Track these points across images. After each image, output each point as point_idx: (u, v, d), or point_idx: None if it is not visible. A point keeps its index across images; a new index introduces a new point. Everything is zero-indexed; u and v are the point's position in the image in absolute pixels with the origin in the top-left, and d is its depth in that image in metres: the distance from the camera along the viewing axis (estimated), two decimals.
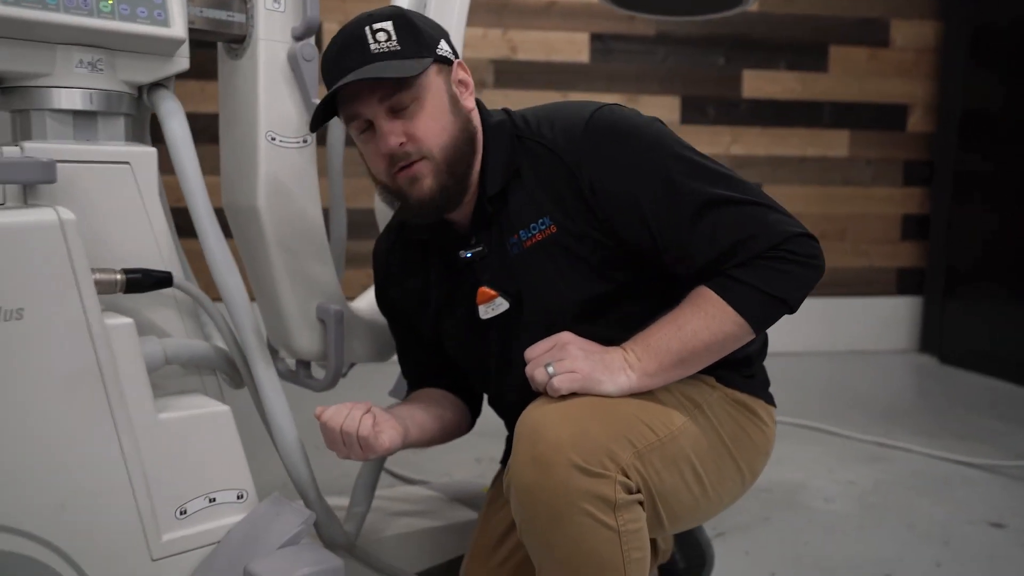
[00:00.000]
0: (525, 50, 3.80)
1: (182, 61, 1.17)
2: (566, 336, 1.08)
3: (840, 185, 4.20)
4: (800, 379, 3.67)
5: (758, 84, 4.06)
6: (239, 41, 1.29)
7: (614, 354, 1.08)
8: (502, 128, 1.17)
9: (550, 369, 1.04)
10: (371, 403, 1.14)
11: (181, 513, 1.07)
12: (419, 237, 1.25)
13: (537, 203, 1.13)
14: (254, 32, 1.26)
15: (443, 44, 1.13)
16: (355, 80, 1.05)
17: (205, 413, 1.10)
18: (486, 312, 1.17)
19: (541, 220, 1.13)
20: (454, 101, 1.13)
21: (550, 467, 0.97)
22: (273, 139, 1.28)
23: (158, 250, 1.14)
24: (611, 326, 1.15)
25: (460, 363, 1.31)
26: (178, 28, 1.12)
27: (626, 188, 1.10)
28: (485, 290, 1.16)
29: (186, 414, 1.08)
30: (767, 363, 1.37)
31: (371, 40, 1.06)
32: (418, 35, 1.09)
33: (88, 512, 0.98)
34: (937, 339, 4.11)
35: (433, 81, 1.11)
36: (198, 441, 1.08)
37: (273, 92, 1.27)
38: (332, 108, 1.12)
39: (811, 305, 4.04)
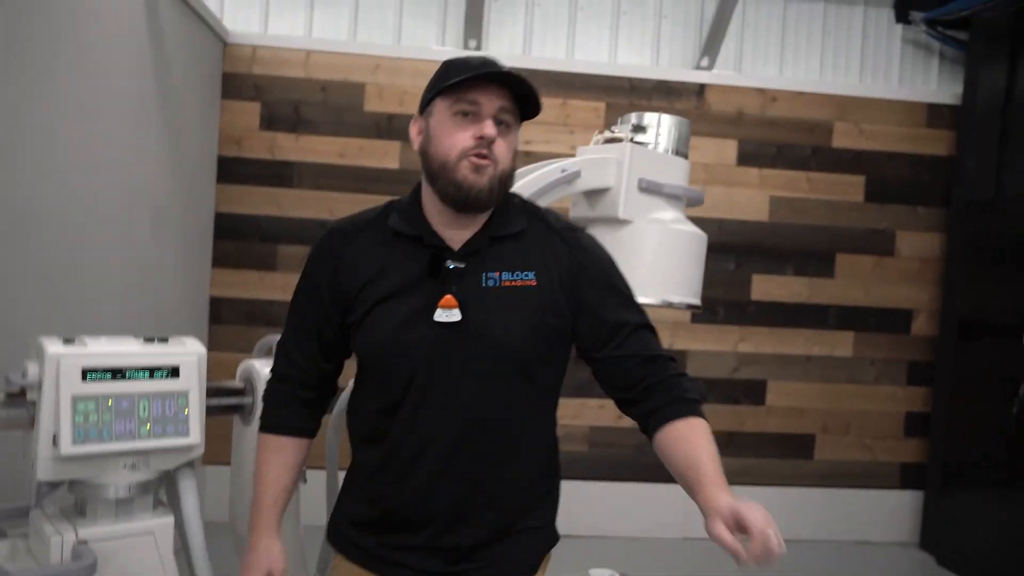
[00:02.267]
0: None
1: (198, 450, 1.60)
2: None
3: (845, 383, 4.45)
4: (785, 570, 3.88)
5: (766, 288, 4.39)
6: (249, 413, 1.72)
7: None
8: (518, 197, 1.59)
9: None
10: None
11: None
12: (408, 234, 1.49)
13: (526, 259, 1.48)
14: (257, 411, 1.69)
15: None
16: (502, 76, 1.40)
17: None
18: (441, 316, 1.43)
19: (527, 273, 1.48)
20: (516, 154, 1.50)
21: None
22: None
23: None
24: (518, 378, 1.48)
25: (374, 343, 1.48)
26: (195, 436, 1.55)
27: (600, 274, 1.54)
28: (451, 298, 1.43)
29: None
30: None
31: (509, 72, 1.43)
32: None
33: None
34: (935, 538, 4.27)
35: (517, 131, 1.49)
36: None
37: None
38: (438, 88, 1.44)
39: (818, 495, 4.29)
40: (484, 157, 1.42)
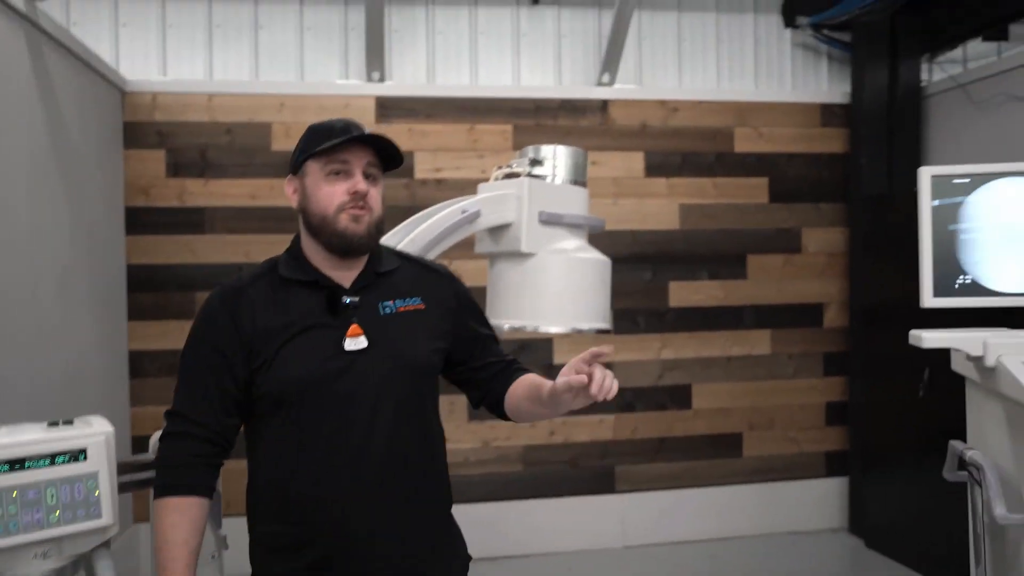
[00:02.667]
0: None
1: (113, 530, 1.59)
2: None
3: (766, 379, 4.59)
4: (724, 568, 4.00)
5: (683, 294, 4.51)
6: None
7: None
8: (384, 245, 1.80)
9: None
10: None
11: None
12: (301, 279, 1.63)
13: (413, 289, 1.70)
14: None
15: None
16: (367, 138, 1.61)
17: None
18: (351, 344, 1.59)
19: (414, 299, 1.69)
20: (383, 201, 1.68)
21: None
22: None
23: None
24: (424, 391, 1.68)
25: (290, 379, 1.56)
26: (108, 517, 1.55)
27: (469, 301, 1.84)
28: (356, 327, 1.60)
29: None
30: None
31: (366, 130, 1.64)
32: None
33: None
34: (862, 522, 4.43)
35: (382, 182, 1.68)
36: None
37: None
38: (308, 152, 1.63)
39: (749, 491, 4.42)
40: (358, 209, 1.61)
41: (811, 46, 4.78)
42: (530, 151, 2.44)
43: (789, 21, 4.70)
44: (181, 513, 1.54)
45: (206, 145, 4.07)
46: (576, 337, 4.34)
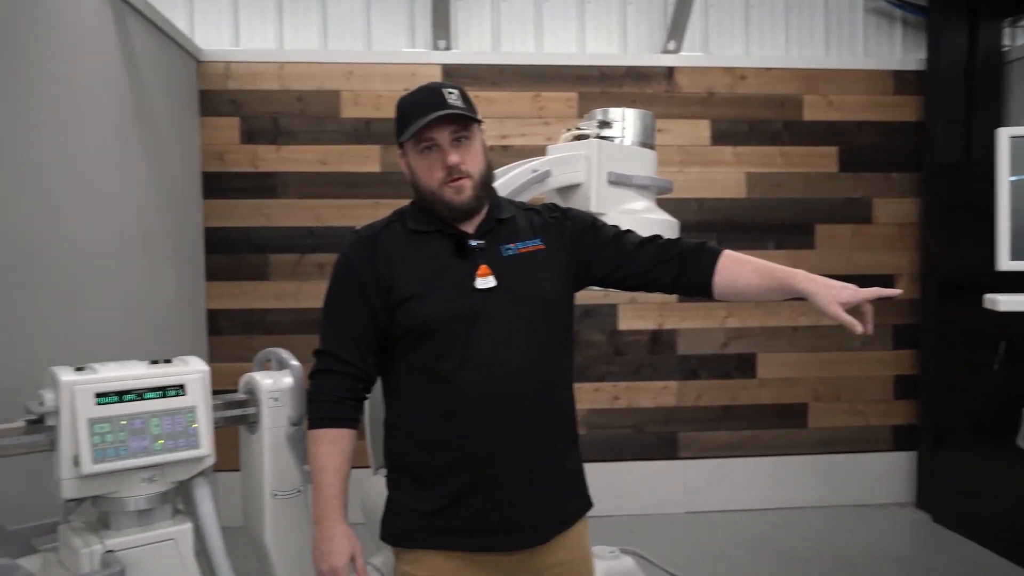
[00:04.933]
0: None
1: (210, 460, 1.69)
2: None
3: (833, 351, 4.55)
4: (787, 537, 4.01)
5: None
6: (254, 422, 1.81)
7: None
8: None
9: None
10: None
11: None
12: (428, 230, 1.74)
13: (529, 232, 1.78)
14: (261, 420, 1.78)
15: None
16: (444, 113, 1.65)
17: None
18: (481, 283, 1.70)
19: (534, 240, 1.78)
20: (485, 150, 1.75)
21: None
22: (276, 495, 1.79)
23: None
24: (553, 326, 1.75)
25: (429, 314, 1.67)
26: (206, 447, 1.65)
27: (589, 224, 1.86)
28: (485, 268, 1.70)
29: None
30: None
31: (447, 96, 1.68)
32: (471, 103, 1.73)
33: None
34: (931, 497, 4.38)
35: (477, 133, 1.73)
36: None
37: (275, 461, 1.78)
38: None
39: (814, 462, 4.38)
40: (458, 179, 1.69)
41: (884, 11, 4.68)
42: (599, 113, 2.48)
43: None
44: (333, 443, 1.68)
45: (278, 112, 4.19)
46: (640, 303, 4.37)
